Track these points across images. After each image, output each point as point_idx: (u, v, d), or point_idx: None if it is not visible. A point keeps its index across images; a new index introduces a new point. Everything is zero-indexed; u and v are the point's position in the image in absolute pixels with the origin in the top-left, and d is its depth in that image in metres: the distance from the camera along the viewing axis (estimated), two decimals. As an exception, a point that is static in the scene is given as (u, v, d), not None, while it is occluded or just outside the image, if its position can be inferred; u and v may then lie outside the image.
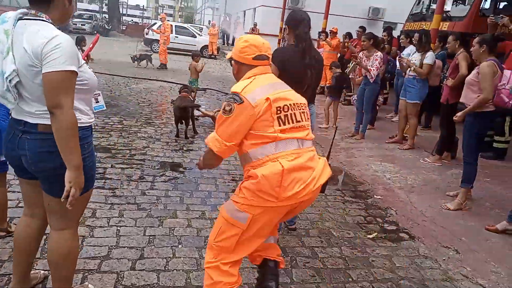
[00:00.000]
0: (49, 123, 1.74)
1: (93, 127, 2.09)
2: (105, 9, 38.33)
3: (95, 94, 2.49)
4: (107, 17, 35.20)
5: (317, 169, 1.99)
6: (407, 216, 3.89)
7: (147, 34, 19.77)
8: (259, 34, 20.51)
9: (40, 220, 2.07)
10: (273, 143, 1.91)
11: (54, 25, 1.79)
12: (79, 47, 7.43)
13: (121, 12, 38.54)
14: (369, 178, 4.85)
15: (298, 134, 2.00)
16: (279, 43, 16.52)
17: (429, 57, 5.75)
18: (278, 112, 1.93)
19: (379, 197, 4.32)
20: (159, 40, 19.27)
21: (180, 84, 9.89)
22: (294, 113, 2.01)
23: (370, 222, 3.71)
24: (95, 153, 4.51)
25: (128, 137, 5.40)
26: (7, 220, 2.78)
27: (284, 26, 2.96)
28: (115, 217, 3.22)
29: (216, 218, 3.35)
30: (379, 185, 4.65)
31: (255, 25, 21.15)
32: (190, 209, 3.52)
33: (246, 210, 1.91)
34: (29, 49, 1.68)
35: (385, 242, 3.36)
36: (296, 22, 2.84)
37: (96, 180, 3.80)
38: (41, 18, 1.76)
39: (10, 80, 1.70)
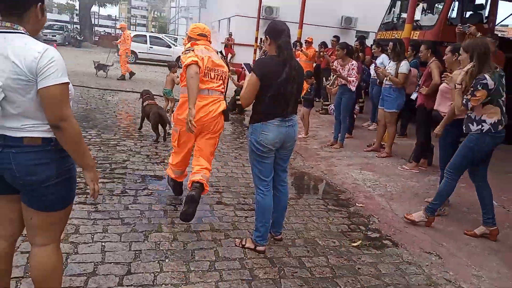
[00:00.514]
0: (35, 135, 1.76)
1: None
2: (76, 19, 37.69)
3: None
4: (78, 27, 34.64)
5: (215, 108, 3.49)
6: (389, 223, 3.98)
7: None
8: (234, 43, 20.80)
9: (7, 241, 1.99)
10: None
11: (32, 37, 1.78)
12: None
13: (93, 22, 37.98)
14: (350, 187, 4.94)
15: (209, 85, 3.47)
16: (254, 52, 16.66)
17: (404, 66, 5.92)
18: (205, 69, 3.42)
19: (360, 205, 4.40)
20: (133, 51, 19.30)
21: (158, 95, 9.84)
22: (210, 73, 3.48)
23: (354, 230, 3.78)
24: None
25: (107, 150, 5.31)
26: None
27: (264, 37, 2.98)
28: (99, 232, 3.15)
29: (201, 231, 3.36)
30: (360, 193, 4.74)
31: (230, 34, 21.26)
32: (174, 222, 3.49)
33: (177, 125, 3.63)
34: (21, 63, 1.66)
35: (369, 250, 3.41)
36: (277, 33, 2.88)
37: (77, 196, 3.74)
38: (19, 31, 1.74)
39: None
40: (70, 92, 1.86)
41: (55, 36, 27.10)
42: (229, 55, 20.26)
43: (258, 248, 3.12)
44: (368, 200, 4.54)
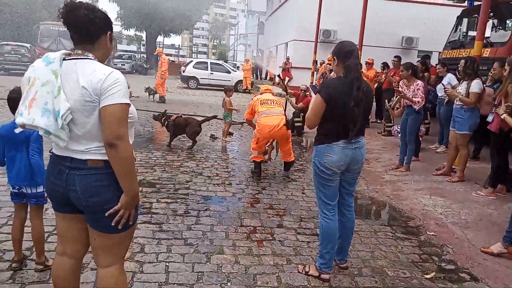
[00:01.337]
0: (98, 158, 1.81)
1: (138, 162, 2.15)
2: (143, 49, 40.20)
3: None
4: (145, 56, 36.91)
5: (278, 122, 5.39)
6: (465, 255, 3.64)
7: (183, 71, 20.47)
8: (291, 67, 20.98)
9: (73, 259, 2.04)
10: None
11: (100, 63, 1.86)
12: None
13: (158, 51, 40.34)
14: (420, 213, 4.62)
15: (266, 107, 5.55)
16: (312, 75, 16.64)
17: (476, 85, 5.54)
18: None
19: (432, 233, 4.08)
20: (194, 77, 20.14)
21: (218, 118, 10.09)
22: (267, 101, 5.68)
23: (426, 261, 3.49)
24: (140, 187, 4.56)
25: (171, 171, 5.46)
26: (44, 253, 2.79)
27: (332, 57, 2.92)
28: (163, 252, 3.18)
29: (263, 254, 3.28)
30: (430, 220, 4.41)
31: (288, 59, 21.48)
32: (236, 244, 3.44)
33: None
34: (88, 85, 1.74)
35: (445, 283, 3.12)
36: (346, 53, 2.80)
37: (143, 215, 3.85)
38: (89, 57, 1.84)
39: (64, 118, 1.74)
40: (131, 115, 1.90)
41: (124, 65, 29.05)
42: (287, 78, 20.43)
43: (323, 276, 2.97)
44: (440, 228, 4.21)
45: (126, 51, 45.85)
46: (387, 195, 5.24)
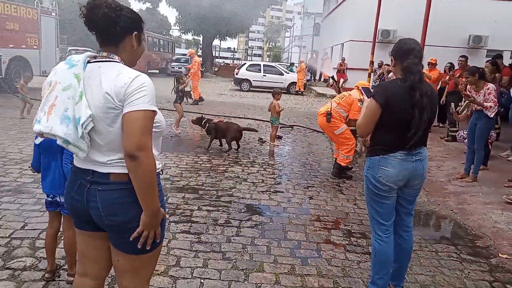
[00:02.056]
0: (121, 171, 1.61)
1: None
2: (200, 53, 41.18)
3: None
4: (201, 59, 37.72)
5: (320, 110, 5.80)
6: (548, 285, 3.08)
7: (236, 74, 20.52)
8: (346, 68, 20.32)
9: (95, 280, 1.86)
10: None
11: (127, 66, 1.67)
12: (178, 84, 7.93)
13: (213, 54, 41.07)
14: (490, 231, 4.06)
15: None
16: (369, 76, 15.91)
17: None
18: None
19: (505, 256, 3.54)
20: (247, 79, 20.11)
21: (267, 121, 9.86)
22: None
23: (499, 290, 2.99)
24: (183, 193, 4.42)
25: (215, 176, 5.30)
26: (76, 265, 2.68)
27: (389, 58, 2.57)
28: (199, 267, 2.98)
29: (307, 274, 2.98)
30: (503, 241, 3.85)
31: (343, 59, 20.82)
32: (278, 261, 3.17)
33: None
34: (111, 90, 1.55)
35: (523, 320, 2.63)
36: (404, 52, 2.43)
37: (182, 223, 3.70)
38: (114, 60, 1.65)
39: (85, 127, 1.56)
40: (158, 124, 1.70)
41: (181, 68, 29.85)
42: (341, 80, 19.78)
43: (374, 304, 2.61)
44: (515, 251, 3.65)
45: (184, 54, 47.21)
46: (450, 209, 4.70)
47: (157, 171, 1.69)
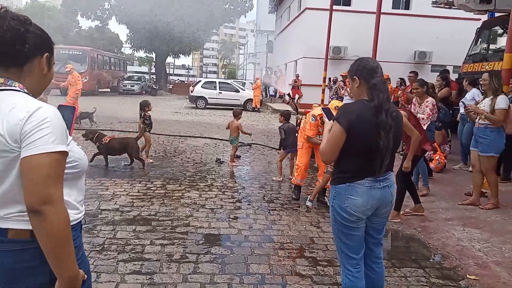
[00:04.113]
0: (23, 227, 1.28)
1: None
2: (153, 70, 40.44)
3: None
4: (154, 77, 37.00)
5: None
6: (519, 307, 3.00)
7: (192, 91, 20.17)
8: (301, 84, 20.58)
9: None
10: None
11: (31, 96, 1.34)
12: (143, 112, 7.26)
13: (167, 72, 40.45)
14: (454, 250, 3.99)
15: None
16: (322, 92, 16.13)
17: (502, 101, 4.96)
18: None
19: (473, 277, 3.45)
20: (203, 97, 19.78)
21: (225, 140, 9.60)
22: None
23: (472, 316, 2.87)
24: (134, 226, 4.03)
25: (170, 204, 4.92)
26: None
27: (350, 77, 2.39)
28: (151, 316, 2.63)
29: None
30: (469, 260, 3.78)
31: (297, 76, 21.11)
32: (241, 301, 2.87)
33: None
34: (3, 129, 1.22)
35: None
36: (369, 71, 2.27)
37: (133, 262, 3.32)
38: (13, 88, 1.31)
39: None
40: (76, 163, 1.40)
41: (133, 86, 29.03)
42: (296, 96, 19.99)
43: None
44: (482, 270, 3.57)
45: (137, 72, 46.14)
46: (414, 227, 4.62)
47: (75, 222, 1.38)
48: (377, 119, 2.19)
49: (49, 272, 1.29)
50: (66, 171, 1.31)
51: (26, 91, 1.34)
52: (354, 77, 2.34)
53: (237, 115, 7.69)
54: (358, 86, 2.33)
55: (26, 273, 1.29)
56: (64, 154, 1.28)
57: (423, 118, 5.43)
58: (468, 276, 3.47)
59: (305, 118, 5.57)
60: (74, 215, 1.40)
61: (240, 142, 8.82)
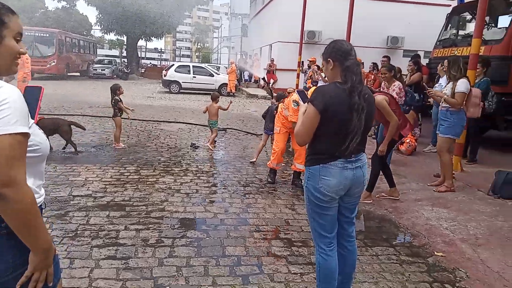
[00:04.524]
0: None
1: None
2: (124, 53, 39.39)
3: None
4: (126, 61, 36.05)
5: None
6: (482, 281, 3.16)
7: (165, 76, 19.81)
8: (276, 69, 20.56)
9: None
10: None
11: None
12: (114, 96, 7.06)
13: (139, 55, 39.48)
14: (423, 229, 4.15)
15: None
16: (297, 77, 16.18)
17: (462, 85, 5.16)
18: None
19: (440, 254, 3.60)
20: (176, 81, 19.49)
21: (200, 125, 9.56)
22: None
23: (439, 291, 3.00)
24: (107, 211, 3.97)
25: (145, 189, 4.87)
26: None
27: (324, 60, 2.40)
28: (126, 300, 2.62)
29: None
30: (437, 238, 3.94)
31: (272, 60, 21.04)
32: (216, 283, 2.89)
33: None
34: None
35: (465, 321, 2.64)
36: (344, 53, 2.29)
37: (107, 247, 3.29)
38: None
39: None
40: (37, 147, 1.36)
41: (104, 70, 28.23)
42: (271, 81, 19.96)
43: (321, 321, 2.45)
44: (449, 247, 3.73)
45: (108, 55, 44.79)
46: (385, 208, 4.76)
47: (38, 205, 1.36)
48: (350, 101, 2.22)
49: (12, 257, 1.31)
50: (27, 154, 1.28)
51: None
52: (329, 59, 2.36)
53: (215, 98, 7.67)
54: (332, 68, 2.35)
55: None
56: (26, 136, 1.25)
57: None
58: (435, 253, 3.62)
59: (283, 104, 5.58)
60: (37, 199, 1.36)
61: (220, 129, 8.86)
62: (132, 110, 7.53)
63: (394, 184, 5.09)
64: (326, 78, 5.87)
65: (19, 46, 1.37)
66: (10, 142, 1.19)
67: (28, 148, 1.29)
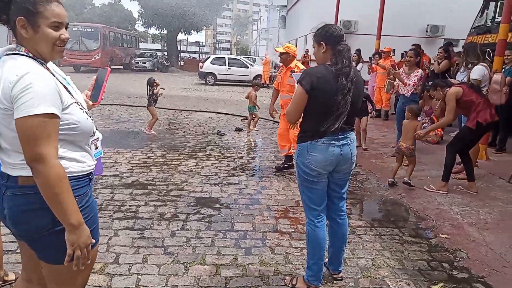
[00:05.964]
0: (29, 174, 1.43)
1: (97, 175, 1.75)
2: (165, 47, 40.50)
3: (94, 140, 1.93)
4: (166, 54, 37.09)
5: None
6: (482, 261, 3.21)
7: (201, 68, 20.31)
8: (310, 60, 20.45)
9: (39, 285, 1.74)
10: None
11: (36, 60, 1.48)
12: (151, 88, 7.52)
13: (180, 49, 40.46)
14: (433, 213, 4.19)
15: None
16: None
17: (476, 71, 5.10)
18: None
19: (445, 236, 3.66)
20: (212, 73, 19.93)
21: (230, 114, 9.87)
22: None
23: (435, 269, 3.09)
24: (131, 189, 4.32)
25: (168, 171, 5.21)
26: (3, 268, 2.57)
27: (316, 43, 2.56)
28: (138, 263, 2.93)
29: (249, 264, 2.98)
30: (445, 221, 3.98)
31: (307, 51, 20.94)
32: (221, 253, 3.15)
33: None
34: (0, 90, 1.40)
35: (454, 296, 2.73)
36: (336, 37, 2.45)
37: (126, 220, 3.61)
38: (19, 52, 1.47)
39: None
40: (75, 125, 1.51)
41: (145, 63, 29.28)
42: (306, 72, 19.90)
43: (311, 289, 2.64)
44: (455, 230, 3.77)
45: (151, 49, 46.22)
46: (398, 193, 4.81)
47: (77, 174, 1.55)
48: (337, 82, 2.38)
49: (48, 216, 1.46)
50: (64, 132, 1.46)
51: (31, 55, 1.47)
52: (322, 42, 2.51)
53: (254, 86, 8.65)
54: (324, 51, 2.50)
55: (28, 215, 1.48)
56: (52, 116, 1.39)
57: (408, 84, 5.71)
58: (440, 235, 3.68)
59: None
60: (78, 167, 1.55)
61: (243, 116, 9.18)
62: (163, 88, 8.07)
63: (473, 177, 4.78)
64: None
65: (57, 33, 1.48)
66: (35, 123, 1.35)
67: (65, 126, 1.46)
